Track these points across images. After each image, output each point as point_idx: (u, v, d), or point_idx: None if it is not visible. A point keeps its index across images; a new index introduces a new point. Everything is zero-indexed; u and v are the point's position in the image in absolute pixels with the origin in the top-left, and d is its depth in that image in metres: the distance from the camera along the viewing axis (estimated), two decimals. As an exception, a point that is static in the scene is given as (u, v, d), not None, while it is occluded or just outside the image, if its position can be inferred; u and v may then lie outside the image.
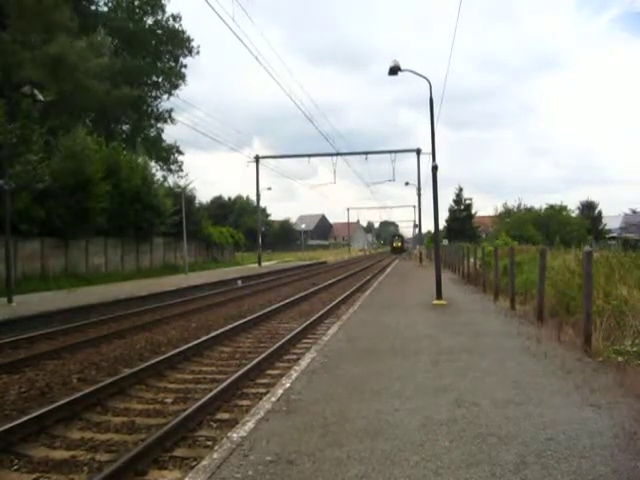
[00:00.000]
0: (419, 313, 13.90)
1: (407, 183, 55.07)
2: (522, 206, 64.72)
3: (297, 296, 21.45)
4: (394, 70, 16.64)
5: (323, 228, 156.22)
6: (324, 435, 5.11)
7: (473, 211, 71.64)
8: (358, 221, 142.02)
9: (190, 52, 53.47)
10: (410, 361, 8.22)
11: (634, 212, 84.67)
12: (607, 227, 72.70)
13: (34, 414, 6.70)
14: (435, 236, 19.30)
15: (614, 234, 68.64)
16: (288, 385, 6.98)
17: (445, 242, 52.29)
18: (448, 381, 6.95)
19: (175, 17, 52.24)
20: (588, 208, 72.85)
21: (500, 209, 66.95)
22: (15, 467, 5.61)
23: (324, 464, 4.43)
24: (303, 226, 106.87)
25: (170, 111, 51.77)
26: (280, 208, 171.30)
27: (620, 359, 7.52)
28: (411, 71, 16.96)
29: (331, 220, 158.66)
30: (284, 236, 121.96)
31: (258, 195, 53.22)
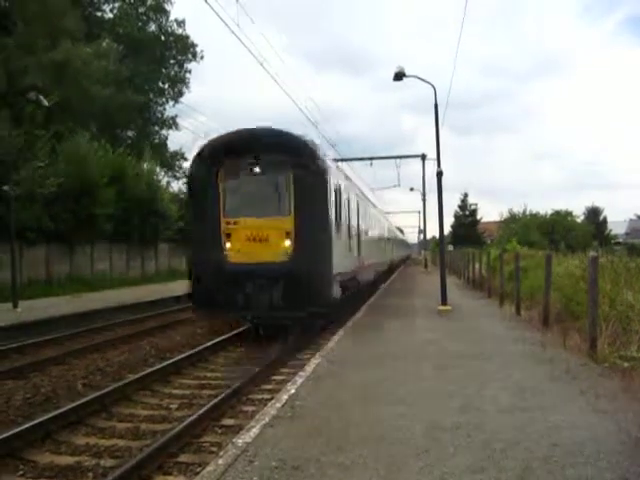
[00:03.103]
0: (424, 318, 13.87)
1: (412, 189, 54.94)
2: (527, 211, 64.68)
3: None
4: (399, 76, 16.65)
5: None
6: (329, 441, 5.09)
7: (478, 217, 71.60)
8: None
9: (194, 57, 53.65)
10: (415, 367, 8.20)
11: (639, 218, 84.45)
12: (612, 233, 72.53)
13: (39, 420, 6.72)
14: (440, 241, 19.30)
15: (619, 240, 68.54)
16: (293, 391, 6.96)
17: (450, 247, 52.21)
18: (453, 387, 6.93)
19: (179, 22, 52.47)
20: (593, 214, 72.75)
21: (505, 214, 66.96)
22: (20, 472, 5.63)
23: (329, 470, 4.42)
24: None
25: (175, 117, 51.96)
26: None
27: (626, 365, 7.49)
28: (416, 77, 16.97)
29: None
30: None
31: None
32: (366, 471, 4.36)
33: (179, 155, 53.97)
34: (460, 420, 5.55)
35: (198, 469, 5.31)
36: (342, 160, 47.69)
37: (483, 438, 5.02)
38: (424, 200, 48.39)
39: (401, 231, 72.63)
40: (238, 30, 14.69)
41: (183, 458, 5.87)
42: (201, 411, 7.00)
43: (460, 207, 71.53)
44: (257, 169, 12.14)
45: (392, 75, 16.67)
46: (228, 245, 12.08)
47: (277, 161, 12.04)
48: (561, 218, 59.80)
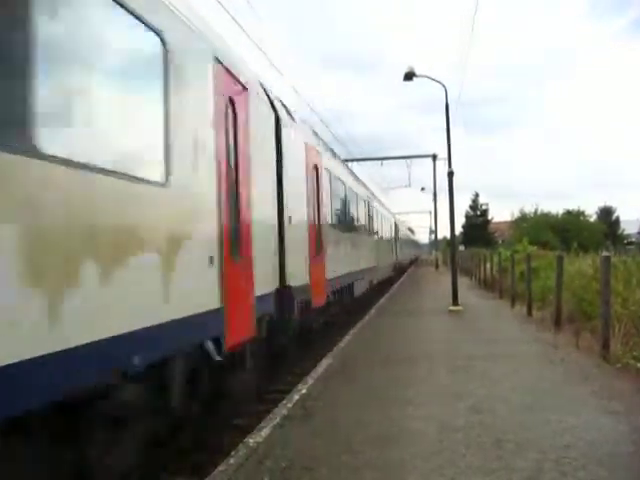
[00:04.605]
0: (435, 319, 13.83)
1: (423, 189, 54.80)
2: (539, 211, 64.34)
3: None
4: (409, 76, 16.66)
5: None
6: (339, 441, 5.09)
7: (489, 217, 71.37)
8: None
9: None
10: (426, 367, 8.18)
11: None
12: (625, 232, 71.99)
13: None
14: (452, 242, 19.24)
15: (632, 239, 68.02)
16: (304, 391, 6.97)
17: (461, 248, 52.04)
18: (464, 387, 6.90)
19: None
20: (606, 213, 72.26)
21: (517, 214, 66.67)
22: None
23: (339, 471, 4.42)
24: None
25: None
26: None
27: (639, 365, 7.44)
28: (427, 77, 16.96)
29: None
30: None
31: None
32: (377, 472, 4.36)
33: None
34: (472, 420, 5.53)
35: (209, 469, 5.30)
36: (352, 160, 47.61)
37: (495, 439, 4.99)
38: (435, 200, 48.26)
39: (412, 231, 72.39)
40: (248, 28, 14.67)
41: (194, 457, 5.87)
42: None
43: (471, 207, 71.40)
44: None
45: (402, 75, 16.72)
46: None
47: None
48: (573, 218, 59.43)
